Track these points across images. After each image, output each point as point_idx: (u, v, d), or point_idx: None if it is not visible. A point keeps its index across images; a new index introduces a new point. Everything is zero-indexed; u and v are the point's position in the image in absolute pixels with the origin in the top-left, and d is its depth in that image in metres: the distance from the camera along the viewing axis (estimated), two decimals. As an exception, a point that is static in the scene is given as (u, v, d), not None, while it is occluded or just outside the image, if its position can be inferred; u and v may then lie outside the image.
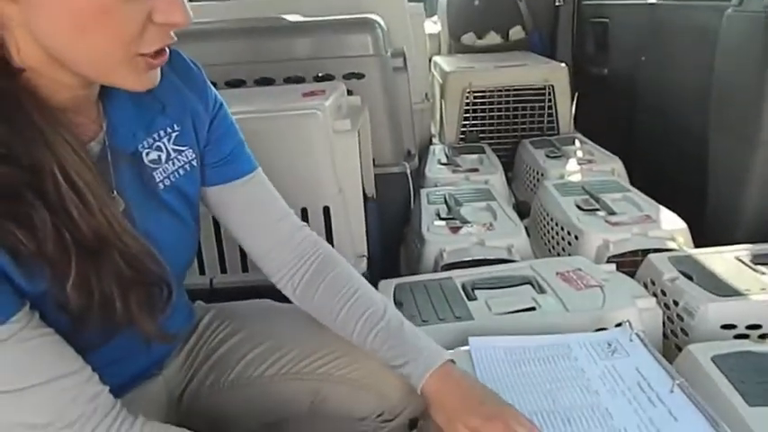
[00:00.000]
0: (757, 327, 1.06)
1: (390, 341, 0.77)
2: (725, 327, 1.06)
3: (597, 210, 1.55)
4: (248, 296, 0.98)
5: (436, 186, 1.92)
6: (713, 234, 1.57)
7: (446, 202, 1.68)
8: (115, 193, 0.65)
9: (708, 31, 1.70)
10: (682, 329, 1.11)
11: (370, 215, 1.45)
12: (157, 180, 0.71)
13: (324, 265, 0.82)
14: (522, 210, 1.85)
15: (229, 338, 0.86)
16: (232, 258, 1.29)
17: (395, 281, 1.22)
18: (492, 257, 1.37)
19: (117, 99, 0.67)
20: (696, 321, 1.08)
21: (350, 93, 1.59)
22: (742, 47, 1.54)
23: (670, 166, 2.01)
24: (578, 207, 1.57)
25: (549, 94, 2.50)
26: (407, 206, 1.82)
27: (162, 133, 0.72)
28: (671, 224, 1.46)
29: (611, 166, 2.01)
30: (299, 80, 1.67)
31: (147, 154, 0.70)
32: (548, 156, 2.15)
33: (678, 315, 1.12)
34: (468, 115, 2.55)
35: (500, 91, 2.50)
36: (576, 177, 1.92)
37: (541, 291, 1.14)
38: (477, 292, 1.15)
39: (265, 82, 1.66)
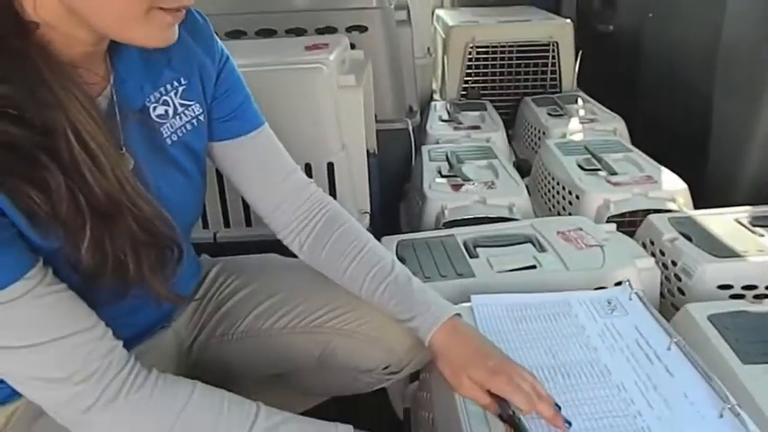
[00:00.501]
0: (753, 287, 1.08)
1: (398, 296, 0.78)
2: (721, 287, 1.08)
3: (598, 170, 1.55)
4: (252, 250, 0.99)
5: (437, 143, 1.91)
6: (713, 195, 1.58)
7: (448, 159, 1.68)
8: (124, 150, 0.64)
9: (718, -12, 1.66)
10: (679, 289, 1.13)
11: (372, 171, 1.45)
12: (165, 135, 0.70)
13: (331, 221, 0.83)
14: (523, 168, 1.85)
15: (238, 292, 0.87)
16: (236, 213, 1.29)
17: (397, 237, 1.23)
18: (493, 216, 1.38)
19: (125, 53, 0.66)
20: (693, 281, 1.09)
21: (352, 46, 1.57)
22: (752, 4, 1.51)
23: (673, 126, 2.01)
24: (580, 167, 1.57)
25: (553, 51, 2.46)
26: (408, 163, 1.82)
27: (169, 87, 0.71)
28: (672, 185, 1.47)
29: (614, 126, 2.00)
30: (301, 32, 1.64)
31: (155, 109, 0.69)
32: (550, 114, 2.14)
33: (676, 275, 1.14)
34: (470, 71, 2.51)
35: (503, 47, 2.46)
36: (578, 136, 1.91)
37: (542, 249, 1.16)
38: (478, 249, 1.17)
39: (267, 33, 1.63)
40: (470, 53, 2.48)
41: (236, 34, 1.63)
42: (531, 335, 0.84)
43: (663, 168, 1.54)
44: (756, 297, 1.07)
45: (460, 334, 0.76)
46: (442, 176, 1.57)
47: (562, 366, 0.78)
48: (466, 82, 2.52)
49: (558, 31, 2.47)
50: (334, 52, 1.30)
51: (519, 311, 0.89)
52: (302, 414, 0.67)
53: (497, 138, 1.97)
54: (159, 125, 0.70)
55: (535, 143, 2.11)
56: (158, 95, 0.70)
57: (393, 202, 1.84)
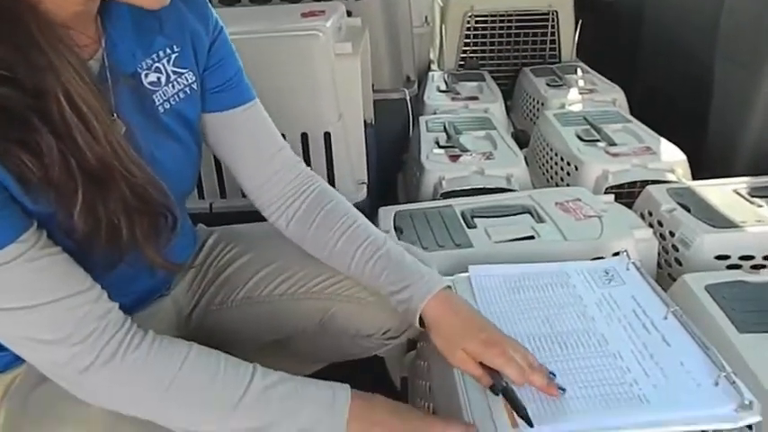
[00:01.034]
0: (750, 257, 1.08)
1: (390, 267, 0.77)
2: (719, 258, 1.08)
3: (597, 140, 1.54)
4: (248, 220, 0.98)
5: (435, 114, 1.90)
6: (713, 166, 1.57)
7: (445, 130, 1.66)
8: (115, 115, 0.63)
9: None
10: (676, 260, 1.13)
11: (369, 142, 1.44)
12: (157, 103, 0.69)
13: (320, 198, 0.81)
14: (521, 139, 1.84)
15: (237, 259, 0.87)
16: (231, 183, 1.29)
17: (394, 208, 1.22)
18: (491, 186, 1.37)
19: (117, 16, 0.64)
20: (691, 252, 1.09)
21: (349, 14, 1.54)
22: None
23: (672, 97, 1.99)
24: (578, 137, 1.56)
25: (553, 20, 2.43)
26: (406, 133, 1.80)
27: (161, 54, 0.69)
28: (670, 156, 1.46)
29: (613, 96, 1.99)
30: (297, -1, 1.60)
31: (146, 75, 0.68)
32: (549, 84, 2.12)
33: (674, 246, 1.14)
34: (468, 41, 2.48)
35: (502, 16, 2.43)
36: (577, 107, 1.90)
37: (540, 220, 1.15)
38: (476, 220, 1.16)
39: (262, 0, 1.60)
40: (469, 22, 2.45)
41: (230, 1, 1.60)
42: (528, 304, 0.84)
43: (662, 139, 1.53)
44: (754, 267, 1.08)
45: (454, 305, 0.75)
46: (440, 147, 1.55)
47: (559, 336, 0.78)
48: (464, 52, 2.49)
49: (558, -1, 2.43)
50: (330, 19, 1.27)
51: (517, 281, 0.89)
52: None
53: (495, 108, 1.96)
54: (151, 92, 0.69)
55: (534, 114, 2.09)
56: (150, 62, 0.68)
57: (390, 172, 1.83)
